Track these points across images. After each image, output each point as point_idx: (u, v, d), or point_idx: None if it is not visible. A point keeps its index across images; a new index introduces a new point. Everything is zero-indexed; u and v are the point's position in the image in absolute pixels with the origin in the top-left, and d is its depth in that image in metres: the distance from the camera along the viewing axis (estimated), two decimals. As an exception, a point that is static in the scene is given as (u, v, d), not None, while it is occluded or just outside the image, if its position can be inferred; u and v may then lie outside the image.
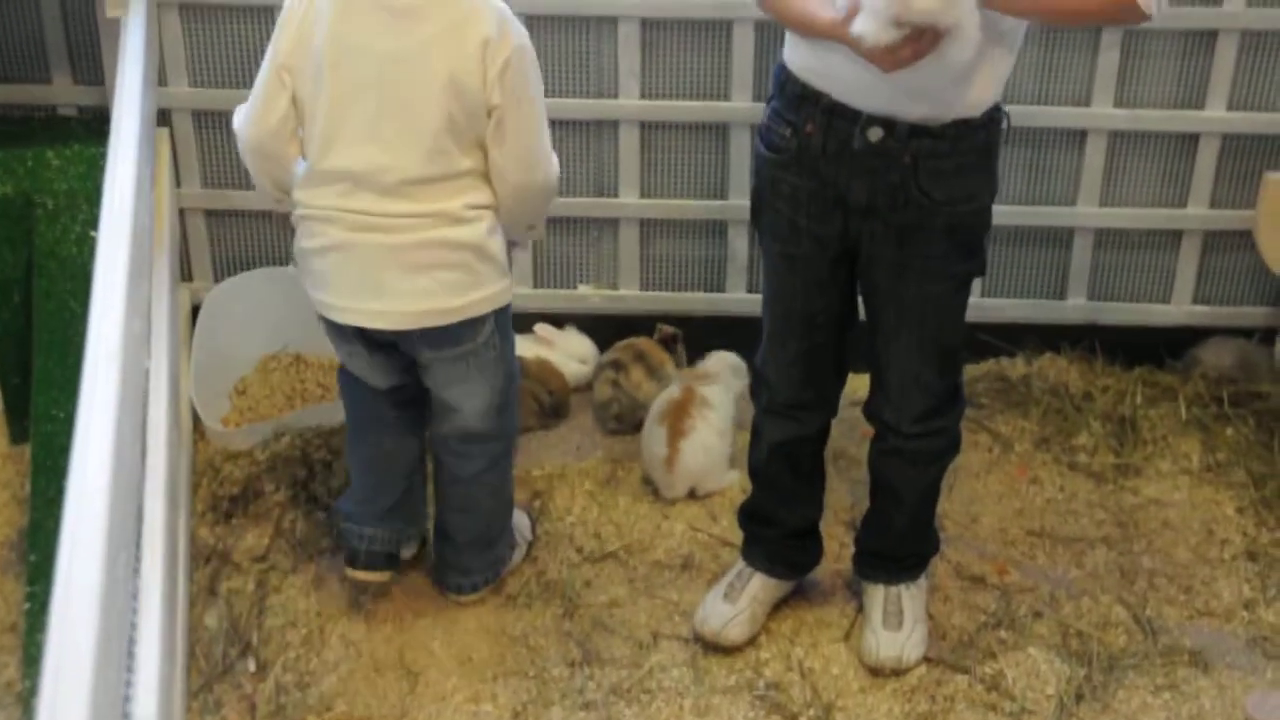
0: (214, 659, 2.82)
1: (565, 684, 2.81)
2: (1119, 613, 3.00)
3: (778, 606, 2.97)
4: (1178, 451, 3.42)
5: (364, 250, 2.63)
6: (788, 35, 2.57)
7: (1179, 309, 3.64)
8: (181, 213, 3.48)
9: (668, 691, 2.81)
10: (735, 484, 3.26)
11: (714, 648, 2.89)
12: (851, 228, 2.58)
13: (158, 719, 2.12)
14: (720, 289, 3.62)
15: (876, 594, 2.91)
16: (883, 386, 2.75)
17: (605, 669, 2.84)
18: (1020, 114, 3.32)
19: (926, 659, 2.88)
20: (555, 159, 2.73)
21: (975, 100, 2.47)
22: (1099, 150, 3.47)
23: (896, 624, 2.87)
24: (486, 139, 2.62)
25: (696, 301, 3.62)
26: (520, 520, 3.08)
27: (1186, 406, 3.51)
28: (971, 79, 2.43)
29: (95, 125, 3.19)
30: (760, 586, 2.93)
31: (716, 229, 3.56)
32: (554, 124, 3.39)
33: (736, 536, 3.03)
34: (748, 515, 2.97)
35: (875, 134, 2.48)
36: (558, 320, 3.60)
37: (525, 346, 3.49)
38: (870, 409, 2.80)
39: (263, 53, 2.64)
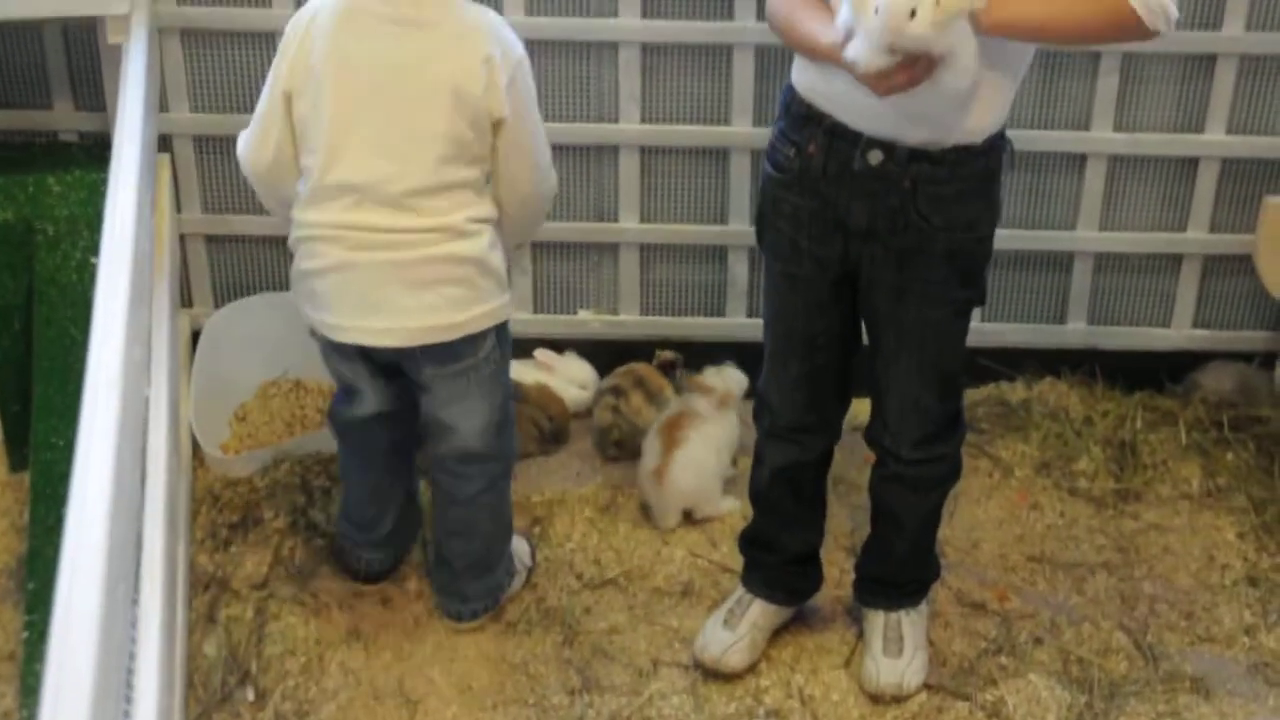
0: (213, 687, 2.81)
1: (565, 712, 2.80)
2: (1120, 639, 2.99)
3: (778, 633, 2.96)
4: (1178, 476, 3.42)
5: (366, 269, 2.63)
6: (796, 55, 2.58)
7: (1179, 333, 3.64)
8: (182, 238, 3.48)
9: (668, 719, 2.80)
10: (735, 511, 3.25)
11: (714, 675, 2.88)
12: (852, 250, 2.58)
13: (156, 748, 2.12)
14: (720, 314, 3.62)
15: (877, 620, 2.90)
16: (882, 411, 2.75)
17: (605, 696, 2.84)
18: (1020, 138, 3.30)
19: (927, 686, 2.87)
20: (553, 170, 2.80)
21: (975, 127, 2.47)
22: (1099, 174, 3.47)
23: (897, 650, 2.86)
24: (495, 151, 2.64)
25: (697, 326, 3.62)
26: (520, 547, 3.08)
27: (1187, 431, 3.51)
28: (971, 105, 2.43)
29: (96, 151, 3.19)
30: (760, 613, 2.92)
31: (717, 254, 3.56)
32: (555, 148, 3.39)
33: (736, 563, 3.02)
34: (748, 540, 2.97)
35: (875, 157, 2.49)
36: (558, 345, 3.60)
37: (525, 372, 3.49)
38: (870, 434, 2.80)
39: (264, 78, 2.65)
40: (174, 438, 2.86)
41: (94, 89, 3.36)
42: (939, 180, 2.49)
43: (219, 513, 3.18)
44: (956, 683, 2.88)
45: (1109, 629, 3.01)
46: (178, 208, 3.44)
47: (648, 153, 3.45)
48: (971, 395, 3.59)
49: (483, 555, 2.93)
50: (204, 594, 2.99)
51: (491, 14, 2.66)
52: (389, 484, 2.96)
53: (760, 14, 3.27)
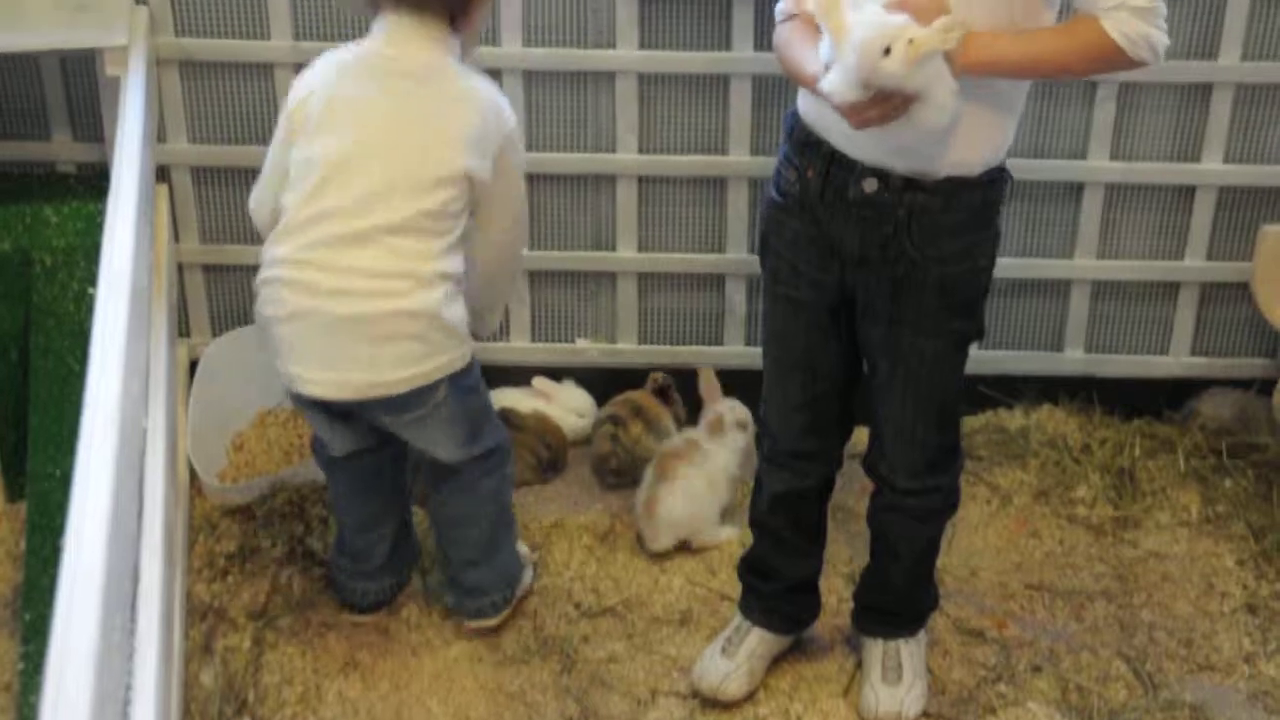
0: (210, 717, 2.80)
1: (563, 741, 2.80)
2: (1119, 667, 2.98)
3: (776, 661, 2.95)
4: (1177, 504, 3.41)
5: (321, 320, 2.64)
6: None
7: (1177, 361, 3.65)
8: (180, 268, 3.48)
9: (666, 748, 2.80)
10: (734, 539, 3.25)
11: (712, 703, 2.87)
12: (848, 277, 2.58)
13: (153, 780, 2.11)
14: (719, 342, 3.62)
15: (875, 649, 2.89)
16: (878, 440, 2.75)
17: (603, 726, 2.83)
18: (1018, 167, 3.31)
19: (926, 714, 2.86)
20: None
21: (963, 160, 2.47)
22: (1096, 203, 3.47)
23: (896, 679, 2.85)
24: (476, 212, 2.70)
25: (695, 355, 3.62)
26: (520, 546, 3.10)
27: (1185, 458, 3.50)
28: (952, 140, 2.42)
29: (94, 182, 3.20)
30: (758, 641, 2.92)
31: (714, 283, 3.56)
32: (553, 178, 3.43)
33: (735, 590, 3.02)
34: (747, 567, 2.96)
35: (870, 185, 2.49)
36: (556, 374, 3.61)
37: (523, 400, 3.50)
38: (867, 463, 2.80)
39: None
40: (171, 467, 2.86)
41: (92, 120, 3.37)
42: (933, 211, 2.49)
43: (216, 542, 3.17)
44: (956, 711, 2.87)
45: (1108, 657, 3.01)
46: (175, 237, 3.44)
47: (645, 182, 3.46)
48: (970, 423, 3.60)
49: (490, 538, 2.94)
50: (201, 624, 2.99)
51: (488, 84, 2.72)
52: (380, 511, 2.97)
53: (757, 45, 3.29)
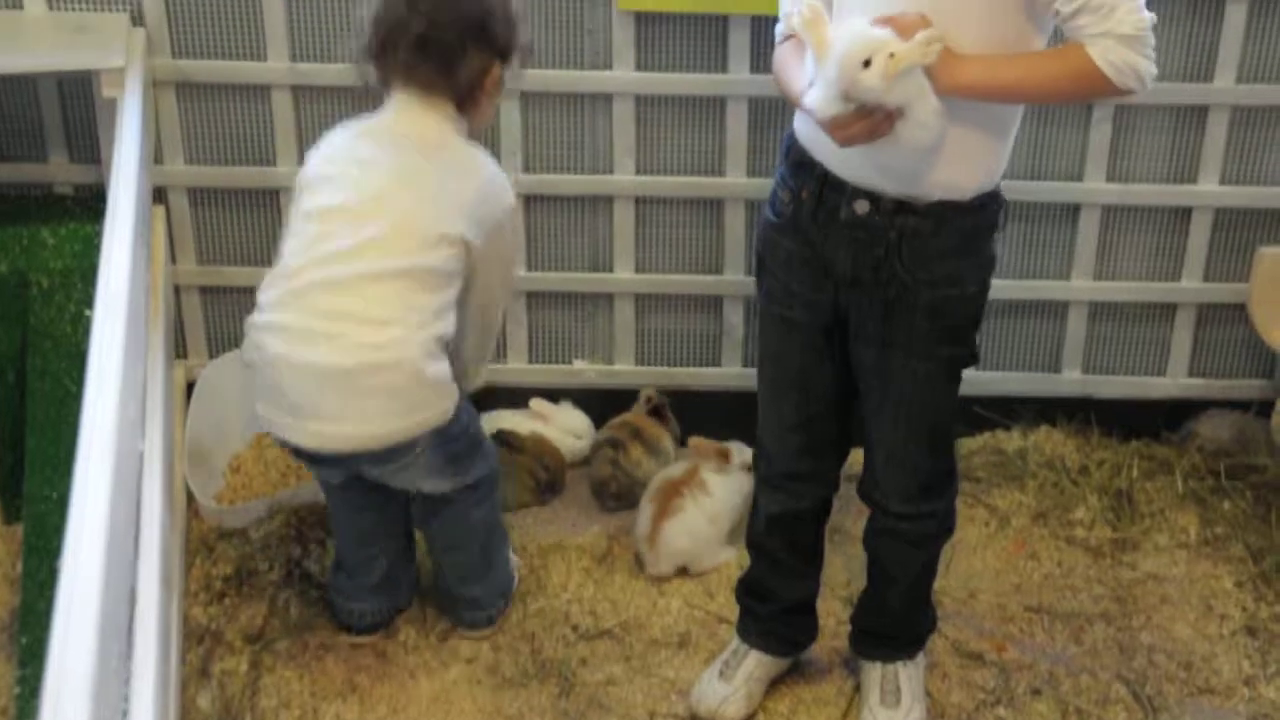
0: (207, 741, 2.80)
1: (561, 765, 2.79)
2: (1119, 690, 2.98)
3: (774, 684, 2.95)
4: (1175, 525, 3.41)
5: (304, 369, 2.65)
6: None
7: (1174, 382, 3.65)
8: (176, 289, 3.48)
9: (665, 772, 2.79)
10: (733, 561, 3.24)
11: (711, 727, 2.87)
12: (841, 298, 2.58)
13: (149, 805, 2.10)
14: (716, 363, 3.62)
15: (873, 672, 2.88)
16: (871, 465, 2.74)
17: (601, 749, 2.83)
18: (1014, 189, 3.32)
19: (925, 737, 2.86)
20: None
21: (952, 183, 2.46)
22: (1093, 224, 3.48)
23: (894, 702, 2.85)
24: (467, 276, 2.75)
25: (692, 376, 3.62)
26: (510, 555, 3.14)
27: (1183, 479, 3.50)
28: (940, 162, 2.42)
29: (91, 204, 3.20)
30: (756, 664, 2.91)
31: (712, 304, 3.56)
32: (550, 200, 3.43)
33: (733, 612, 3.01)
34: (745, 588, 2.96)
35: (862, 207, 2.49)
36: (553, 395, 3.60)
37: (521, 421, 3.50)
38: (862, 488, 2.80)
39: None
40: (168, 489, 2.85)
41: (89, 142, 3.37)
42: (923, 234, 2.49)
43: (213, 565, 3.16)
44: (955, 734, 2.87)
45: (1107, 680, 3.00)
46: (172, 259, 3.44)
47: (642, 203, 3.46)
48: (968, 444, 3.59)
49: (481, 560, 2.98)
50: (198, 647, 2.98)
51: (491, 161, 2.79)
52: (377, 527, 2.96)
53: (753, 67, 3.29)
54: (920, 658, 2.92)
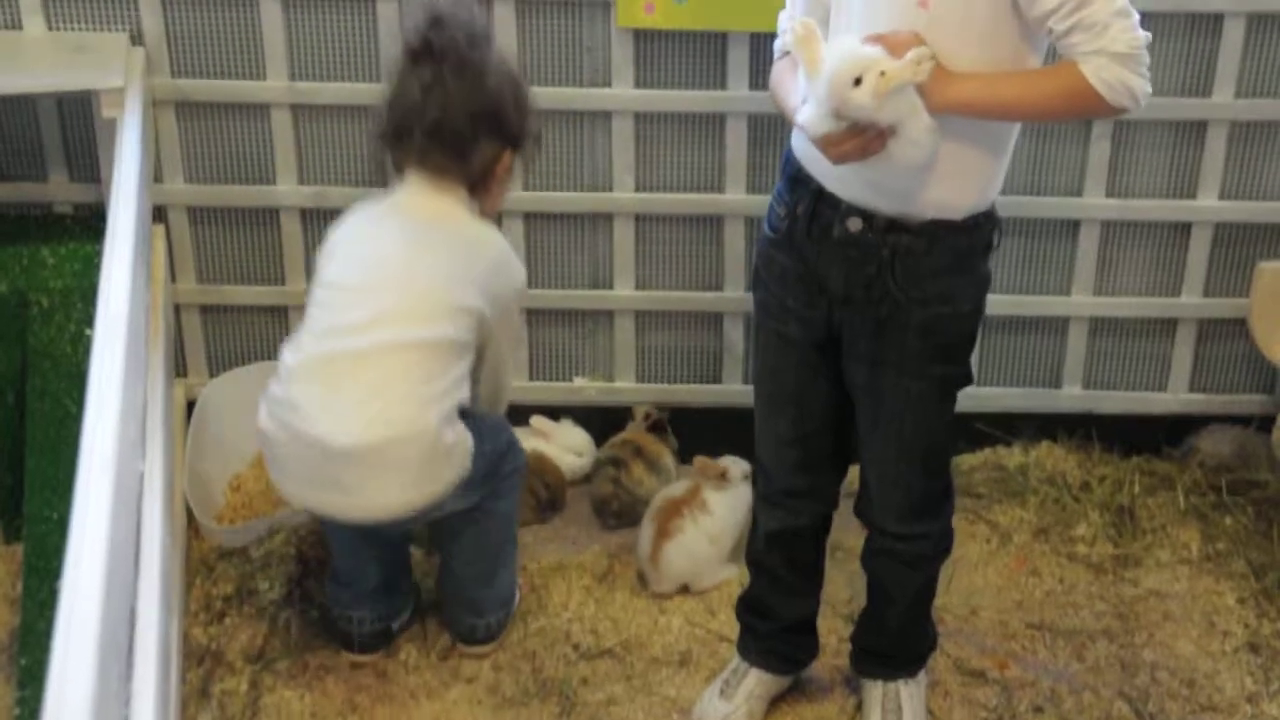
0: (207, 761, 2.79)
1: (563, 784, 2.79)
2: (1121, 708, 2.97)
3: (775, 703, 2.94)
4: (1177, 541, 3.41)
5: (324, 445, 2.66)
6: None
7: (1175, 397, 3.64)
8: (176, 308, 3.48)
9: (666, 791, 2.78)
10: (734, 578, 3.23)
11: (712, 745, 2.86)
12: (834, 315, 2.58)
13: (150, 827, 2.09)
14: (716, 380, 3.62)
15: (875, 691, 2.88)
16: (866, 483, 2.74)
17: (603, 768, 2.82)
18: (1013, 204, 3.34)
19: (928, 756, 2.85)
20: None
21: (946, 202, 2.46)
22: (1092, 240, 3.48)
23: (896, 720, 2.85)
24: (479, 346, 2.79)
25: (692, 393, 3.62)
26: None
27: (1185, 495, 3.50)
28: (933, 181, 2.42)
29: (91, 223, 3.20)
30: (756, 682, 2.90)
31: (712, 321, 3.56)
32: (550, 217, 3.43)
33: (734, 630, 3.00)
34: (745, 606, 2.95)
35: (855, 224, 2.49)
36: (553, 413, 3.60)
37: (521, 439, 3.48)
38: (858, 507, 2.79)
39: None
40: (168, 509, 2.84)
41: (88, 161, 3.37)
42: (916, 253, 2.48)
43: (214, 584, 3.15)
44: (957, 752, 2.86)
45: (1109, 697, 2.99)
46: (172, 278, 3.44)
47: (642, 220, 3.46)
48: (968, 460, 3.59)
49: (497, 553, 2.98)
50: (198, 667, 2.97)
51: (502, 238, 2.85)
52: (367, 533, 2.94)
53: (752, 84, 3.29)
54: (922, 676, 2.91)
